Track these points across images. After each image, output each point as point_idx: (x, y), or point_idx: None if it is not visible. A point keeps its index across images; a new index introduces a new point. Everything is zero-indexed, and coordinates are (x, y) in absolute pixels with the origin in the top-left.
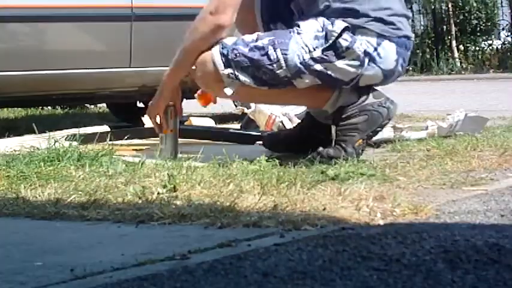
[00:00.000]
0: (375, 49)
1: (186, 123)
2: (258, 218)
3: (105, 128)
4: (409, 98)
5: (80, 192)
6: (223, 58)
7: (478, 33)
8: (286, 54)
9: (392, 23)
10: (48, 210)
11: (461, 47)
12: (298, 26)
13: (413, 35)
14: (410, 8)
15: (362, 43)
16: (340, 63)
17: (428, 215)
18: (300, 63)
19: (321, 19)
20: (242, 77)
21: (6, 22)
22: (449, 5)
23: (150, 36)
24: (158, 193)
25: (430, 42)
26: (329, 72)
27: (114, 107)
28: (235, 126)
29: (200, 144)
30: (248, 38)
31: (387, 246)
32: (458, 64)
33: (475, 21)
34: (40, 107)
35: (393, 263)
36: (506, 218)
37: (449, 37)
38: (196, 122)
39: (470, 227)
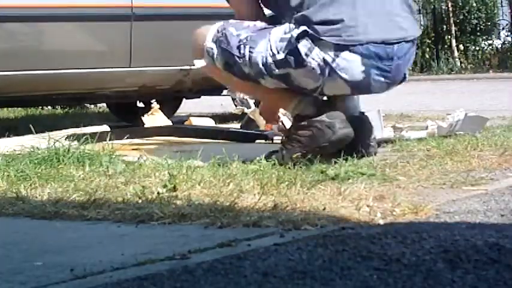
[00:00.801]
0: (333, 60)
1: (186, 123)
2: (258, 218)
3: (105, 128)
4: (409, 97)
5: (80, 192)
6: (214, 33)
7: (478, 33)
8: (251, 53)
9: (350, 31)
10: (48, 210)
11: (461, 47)
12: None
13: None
14: None
15: (320, 52)
16: (300, 71)
17: (428, 214)
18: (262, 64)
19: (288, 23)
20: (217, 58)
21: (6, 22)
22: (449, 5)
23: (150, 36)
24: (158, 193)
25: (430, 42)
26: (290, 78)
27: (114, 106)
28: (235, 125)
29: (200, 143)
30: (246, 23)
31: (387, 246)
32: (458, 64)
33: (475, 21)
34: (40, 107)
35: (393, 263)
36: (506, 218)
37: (449, 37)
38: (196, 121)
39: (470, 226)
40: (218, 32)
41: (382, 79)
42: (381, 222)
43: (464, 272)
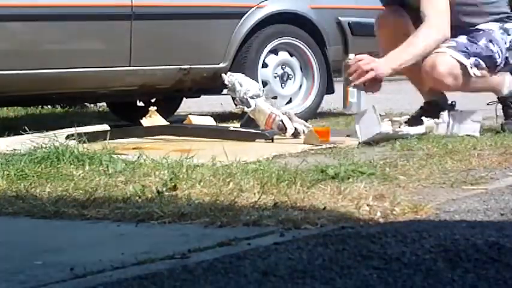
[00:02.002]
0: None
1: (185, 122)
2: (258, 217)
3: (105, 127)
4: (409, 97)
5: (80, 191)
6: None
7: None
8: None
9: None
10: (48, 209)
11: None
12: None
13: None
14: None
15: None
16: None
17: (428, 214)
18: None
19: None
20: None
21: (6, 21)
22: None
23: (150, 35)
24: (158, 192)
25: None
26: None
27: (114, 105)
28: (235, 125)
29: (200, 142)
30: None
31: (387, 245)
32: None
33: None
34: (40, 106)
35: (393, 262)
36: (506, 217)
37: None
38: (196, 120)
39: (470, 225)
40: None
41: None
42: (381, 221)
43: (464, 271)
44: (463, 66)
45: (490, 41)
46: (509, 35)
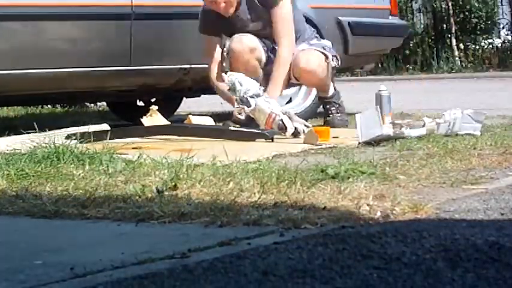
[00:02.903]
0: None
1: (185, 121)
2: (258, 217)
3: (105, 127)
4: (409, 96)
5: (80, 191)
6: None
7: (478, 32)
8: None
9: None
10: (48, 208)
11: (462, 46)
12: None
13: None
14: (411, 7)
15: None
16: None
17: (428, 213)
18: None
19: None
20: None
21: (6, 20)
22: (450, 4)
23: (150, 35)
24: (158, 191)
25: (430, 40)
26: None
27: (114, 105)
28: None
29: (201, 142)
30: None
31: (387, 244)
32: (459, 63)
33: (475, 20)
34: (40, 106)
35: (393, 262)
36: (506, 217)
37: (450, 36)
38: (195, 120)
39: (470, 225)
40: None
41: None
42: (381, 221)
43: (464, 270)
44: (326, 58)
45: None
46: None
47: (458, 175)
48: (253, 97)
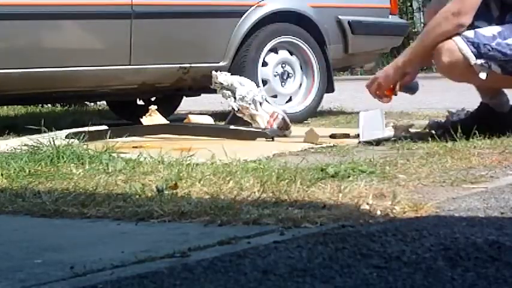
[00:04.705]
0: None
1: (185, 120)
2: (258, 216)
3: (105, 126)
4: (409, 96)
5: (80, 190)
6: (473, 50)
7: None
8: None
9: None
10: (48, 207)
11: None
12: None
13: None
14: (411, 6)
15: None
16: None
17: (428, 212)
18: None
19: None
20: (494, 67)
21: (6, 20)
22: None
23: (150, 34)
24: (158, 190)
25: None
26: None
27: (114, 104)
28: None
29: (201, 141)
30: (487, 33)
31: (387, 243)
32: None
33: None
34: (40, 105)
35: (393, 261)
36: (506, 216)
37: None
38: (195, 119)
39: (470, 224)
40: (475, 48)
41: None
42: (381, 219)
43: (464, 269)
44: (468, 63)
45: None
46: None
47: (458, 174)
48: (253, 97)
